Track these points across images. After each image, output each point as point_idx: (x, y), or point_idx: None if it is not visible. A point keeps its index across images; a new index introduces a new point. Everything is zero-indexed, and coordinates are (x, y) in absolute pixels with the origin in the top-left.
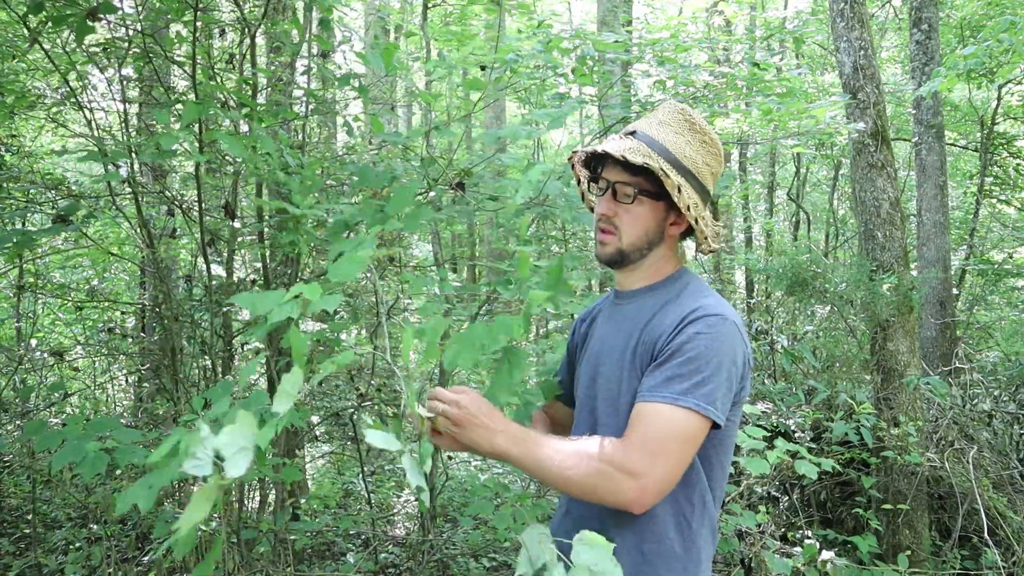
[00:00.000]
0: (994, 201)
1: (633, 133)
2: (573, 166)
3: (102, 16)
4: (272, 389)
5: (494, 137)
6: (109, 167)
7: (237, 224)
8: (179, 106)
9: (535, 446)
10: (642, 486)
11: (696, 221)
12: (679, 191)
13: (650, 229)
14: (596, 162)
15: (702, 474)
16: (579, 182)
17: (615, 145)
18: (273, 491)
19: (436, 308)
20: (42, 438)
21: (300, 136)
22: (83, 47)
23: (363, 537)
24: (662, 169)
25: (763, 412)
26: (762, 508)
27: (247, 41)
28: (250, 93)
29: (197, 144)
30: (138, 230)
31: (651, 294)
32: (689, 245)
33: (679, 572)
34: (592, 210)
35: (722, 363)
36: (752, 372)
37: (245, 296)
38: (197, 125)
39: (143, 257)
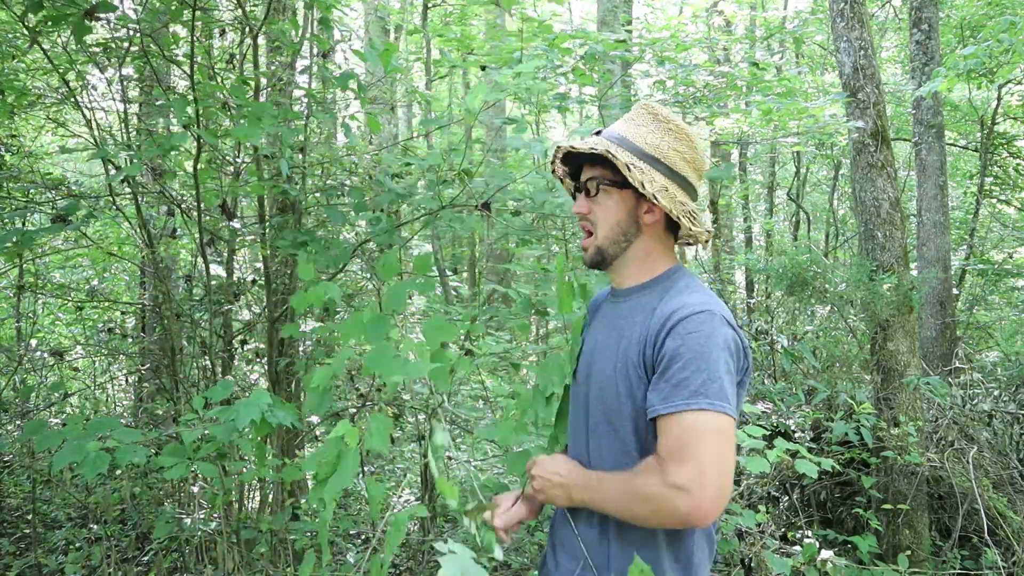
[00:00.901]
0: (994, 201)
1: (598, 133)
2: (562, 181)
3: (100, 16)
4: (273, 389)
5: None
6: (111, 170)
7: (236, 224)
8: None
9: (600, 490)
10: (693, 497)
11: (655, 197)
12: (629, 168)
13: (622, 219)
14: (577, 170)
15: None
16: (573, 196)
17: (569, 142)
18: (273, 491)
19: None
20: (42, 438)
21: (301, 137)
22: (82, 47)
23: (363, 537)
24: (608, 151)
25: (763, 412)
26: (762, 508)
27: (247, 41)
28: (251, 94)
29: (196, 145)
30: (138, 230)
31: (644, 292)
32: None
33: (667, 573)
34: None
35: (720, 357)
36: (752, 372)
37: (310, 460)
38: (196, 124)
39: (143, 257)
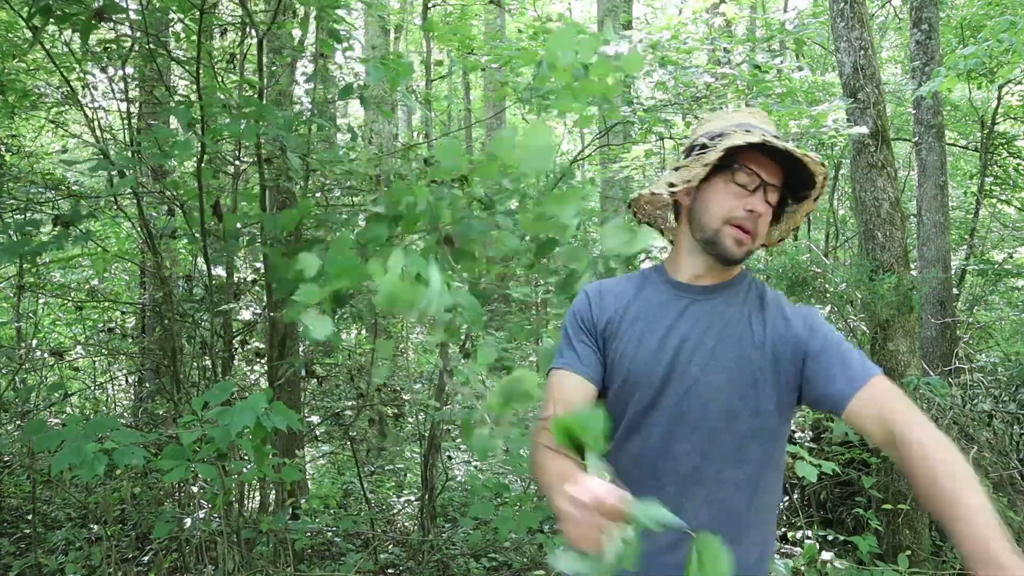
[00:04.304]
0: (994, 201)
1: (749, 131)
2: (693, 148)
3: (107, 17)
4: (272, 389)
5: (554, 168)
6: (115, 177)
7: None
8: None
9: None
10: None
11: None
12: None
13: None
14: (736, 151)
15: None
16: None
17: (783, 143)
18: (273, 491)
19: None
20: (42, 438)
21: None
22: (85, 47)
23: (363, 537)
24: (818, 160)
25: None
26: None
27: (247, 41)
28: (256, 95)
29: (199, 145)
30: (139, 231)
31: (732, 291)
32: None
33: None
34: (673, 199)
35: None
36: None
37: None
38: (200, 125)
39: (145, 257)
